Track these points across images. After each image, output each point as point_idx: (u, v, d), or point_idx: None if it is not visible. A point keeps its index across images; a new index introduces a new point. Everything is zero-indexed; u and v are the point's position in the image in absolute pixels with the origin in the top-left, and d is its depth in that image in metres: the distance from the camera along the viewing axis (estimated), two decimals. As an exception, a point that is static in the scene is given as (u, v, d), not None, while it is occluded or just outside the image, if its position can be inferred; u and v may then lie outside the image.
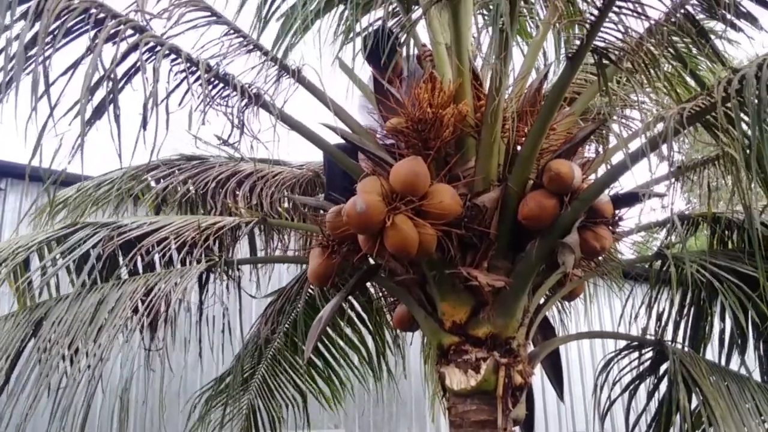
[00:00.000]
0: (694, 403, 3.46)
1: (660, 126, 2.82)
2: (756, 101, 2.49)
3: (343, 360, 5.17)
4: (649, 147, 2.86)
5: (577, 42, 3.13)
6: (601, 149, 4.44)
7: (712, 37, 3.48)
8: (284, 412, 5.15)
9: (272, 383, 5.09)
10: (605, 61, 3.22)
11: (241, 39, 3.72)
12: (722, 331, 3.97)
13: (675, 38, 3.51)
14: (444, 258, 3.29)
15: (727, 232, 4.28)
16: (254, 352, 4.99)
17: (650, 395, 3.87)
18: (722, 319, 3.94)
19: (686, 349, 3.99)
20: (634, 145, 3.19)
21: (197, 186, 4.74)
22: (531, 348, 3.64)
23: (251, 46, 3.73)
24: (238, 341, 5.04)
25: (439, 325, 3.41)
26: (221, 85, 3.57)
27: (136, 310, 3.34)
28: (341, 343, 5.10)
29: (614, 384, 3.88)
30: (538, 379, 3.95)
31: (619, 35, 3.20)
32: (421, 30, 4.13)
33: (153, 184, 4.86)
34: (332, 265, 3.53)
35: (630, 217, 3.97)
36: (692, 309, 4.10)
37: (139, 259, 3.83)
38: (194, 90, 3.40)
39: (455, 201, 3.20)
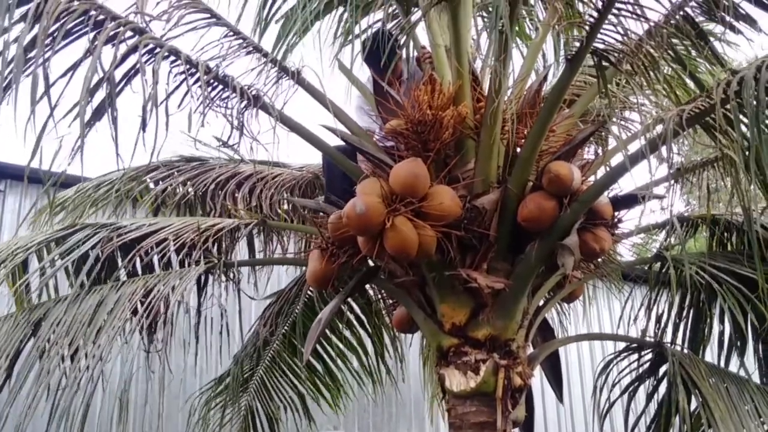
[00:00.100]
0: (694, 404, 3.46)
1: (659, 128, 2.82)
2: (755, 103, 2.49)
3: (342, 362, 5.17)
4: (648, 149, 2.86)
5: (577, 44, 3.14)
6: (600, 151, 4.44)
7: (712, 39, 3.49)
8: (283, 414, 5.14)
9: (271, 385, 5.09)
10: (605, 63, 3.22)
11: (241, 41, 3.72)
12: (721, 333, 3.98)
13: (674, 40, 3.51)
14: (443, 260, 3.29)
15: (726, 234, 4.29)
16: (253, 353, 4.98)
17: (649, 397, 3.87)
18: (721, 320, 3.95)
19: (685, 350, 3.99)
20: (634, 147, 3.20)
21: (196, 188, 4.74)
22: (530, 350, 3.64)
23: (251, 48, 3.73)
24: (237, 343, 5.04)
25: (438, 327, 3.41)
26: (221, 86, 3.57)
27: (135, 312, 3.34)
28: (340, 345, 5.10)
29: (613, 386, 3.88)
30: (538, 380, 3.95)
31: (619, 37, 3.20)
32: (421, 32, 4.14)
33: (152, 185, 4.86)
34: (332, 269, 3.53)
35: (629, 218, 3.97)
36: (691, 311, 4.10)
37: (138, 260, 3.83)
38: (194, 92, 3.40)
39: (455, 203, 3.20)
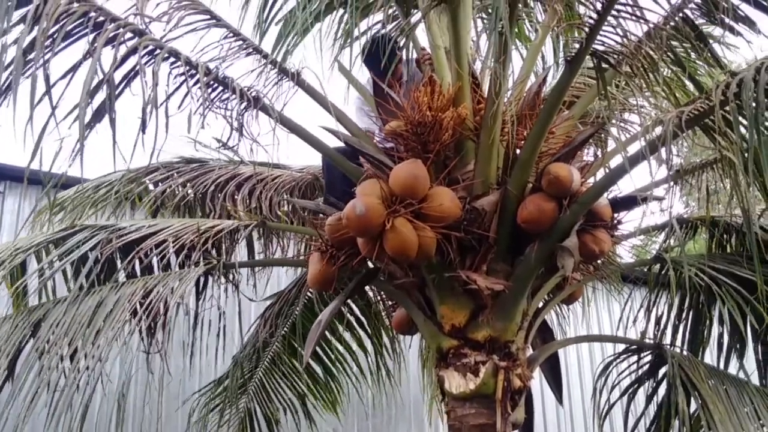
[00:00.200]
0: (693, 406, 3.46)
1: (659, 129, 2.82)
2: (754, 104, 2.49)
3: (341, 364, 5.16)
4: (647, 150, 2.86)
5: (576, 45, 3.14)
6: (599, 153, 4.45)
7: (711, 41, 3.49)
8: (282, 416, 5.14)
9: (270, 386, 5.09)
10: (604, 65, 3.23)
11: (241, 42, 3.73)
12: (721, 335, 3.98)
13: (674, 42, 3.52)
14: (443, 261, 3.29)
15: (725, 236, 4.29)
16: (252, 355, 4.98)
17: (649, 399, 3.87)
18: (721, 322, 3.94)
19: (685, 352, 3.99)
20: (633, 149, 3.20)
21: (196, 189, 4.74)
22: (530, 351, 3.64)
23: (251, 49, 3.73)
24: (237, 344, 5.04)
25: (438, 329, 3.41)
26: (221, 88, 3.58)
27: (134, 313, 3.34)
28: (340, 346, 5.10)
29: (613, 387, 3.88)
30: (537, 382, 3.95)
31: (618, 39, 3.20)
32: (421, 34, 4.14)
33: (152, 187, 4.85)
34: (332, 270, 3.53)
35: (629, 220, 3.97)
36: (691, 312, 4.10)
37: (137, 262, 3.83)
38: (194, 93, 3.40)
39: (455, 204, 3.20)
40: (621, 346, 3.99)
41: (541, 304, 3.70)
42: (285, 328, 4.91)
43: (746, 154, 2.69)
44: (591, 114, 4.02)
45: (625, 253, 4.25)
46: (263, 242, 4.68)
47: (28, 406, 2.95)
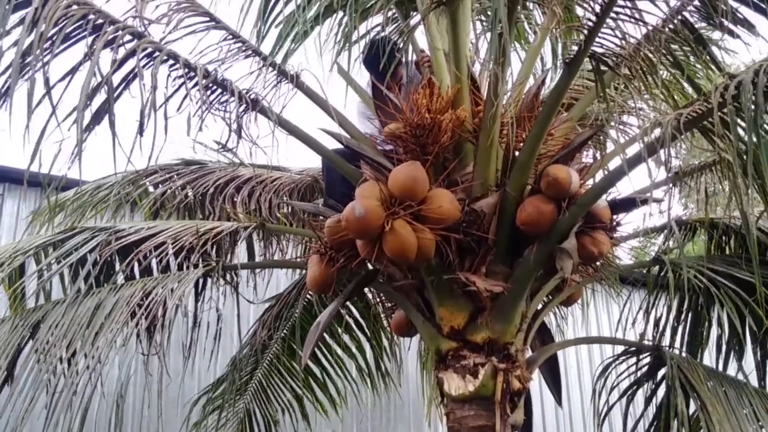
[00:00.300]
0: (692, 408, 3.46)
1: (657, 131, 2.83)
2: (752, 107, 2.50)
3: (339, 366, 5.16)
4: (646, 152, 2.86)
5: (575, 48, 3.14)
6: (598, 155, 4.45)
7: (710, 43, 3.50)
8: (281, 418, 5.13)
9: (269, 388, 5.08)
10: (603, 67, 3.23)
11: (240, 44, 3.73)
12: (719, 337, 3.98)
13: (673, 45, 3.52)
14: (442, 263, 3.29)
15: (724, 238, 4.29)
16: (251, 357, 4.98)
17: (648, 401, 3.87)
18: (719, 324, 3.95)
19: (684, 354, 3.99)
20: (632, 151, 3.21)
21: (196, 191, 4.74)
22: (529, 353, 3.64)
23: (250, 51, 3.74)
24: (236, 346, 5.04)
25: (437, 331, 3.41)
26: (220, 90, 3.58)
27: (133, 315, 3.33)
28: (338, 349, 5.09)
29: (612, 389, 3.88)
30: (536, 384, 3.95)
31: (617, 41, 3.21)
32: (420, 36, 4.15)
33: (151, 188, 4.85)
34: (331, 273, 3.53)
35: (628, 222, 3.98)
36: (690, 314, 4.10)
37: (136, 263, 3.83)
38: (192, 95, 3.40)
39: (454, 206, 3.21)
40: (620, 348, 3.99)
41: (540, 306, 3.70)
42: (284, 330, 4.91)
43: (745, 156, 2.69)
44: (590, 116, 4.03)
45: (624, 255, 4.25)
46: (263, 244, 4.68)
47: (26, 407, 2.94)
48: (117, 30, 3.18)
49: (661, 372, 3.77)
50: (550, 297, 3.81)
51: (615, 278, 4.02)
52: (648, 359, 3.85)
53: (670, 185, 3.30)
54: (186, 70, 3.40)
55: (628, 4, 3.13)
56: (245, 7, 3.83)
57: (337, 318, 4.78)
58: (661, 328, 3.98)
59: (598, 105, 3.96)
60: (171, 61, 3.39)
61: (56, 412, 2.91)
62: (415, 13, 4.25)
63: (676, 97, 3.76)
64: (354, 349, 5.10)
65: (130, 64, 3.22)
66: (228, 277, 4.08)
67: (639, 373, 3.87)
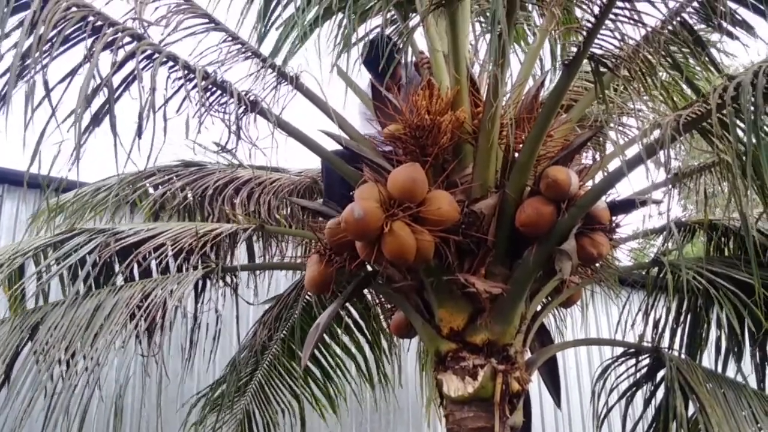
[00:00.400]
0: (691, 409, 3.46)
1: (657, 133, 2.83)
2: (752, 108, 2.50)
3: (339, 367, 5.16)
4: (645, 154, 2.86)
5: (574, 49, 3.14)
6: (598, 156, 4.45)
7: (709, 45, 3.50)
8: (280, 419, 5.13)
9: (269, 389, 5.08)
10: (602, 69, 3.23)
11: (240, 46, 3.73)
12: (719, 338, 3.98)
13: (672, 47, 3.52)
14: (442, 264, 3.29)
15: (723, 239, 4.29)
16: (251, 358, 4.98)
17: (647, 402, 3.87)
18: (719, 326, 3.95)
19: (683, 356, 3.99)
20: (631, 152, 3.21)
21: (195, 192, 4.74)
22: (528, 355, 3.64)
23: (249, 53, 3.74)
24: (235, 347, 5.03)
25: (436, 332, 3.41)
26: (219, 92, 3.58)
27: (132, 316, 3.33)
28: (338, 350, 5.09)
29: (611, 391, 3.88)
30: (536, 386, 3.95)
31: (616, 43, 3.21)
32: (419, 37, 4.15)
33: (151, 190, 4.85)
34: (330, 273, 3.53)
35: (627, 223, 3.98)
36: (689, 316, 4.10)
37: (135, 265, 3.83)
38: (192, 97, 3.40)
39: (453, 207, 3.21)
40: (619, 350, 3.99)
41: (539, 308, 3.70)
42: (284, 332, 4.91)
43: (744, 157, 2.69)
44: (589, 117, 4.03)
45: (623, 257, 4.25)
46: (262, 246, 4.68)
47: (25, 409, 2.94)
48: (116, 32, 3.18)
49: (660, 373, 3.77)
50: (550, 298, 3.81)
51: (614, 280, 4.02)
52: (647, 361, 3.85)
53: (670, 186, 3.30)
54: (185, 71, 3.40)
55: (627, 5, 3.13)
56: (245, 9, 3.84)
57: (336, 319, 4.78)
58: (660, 329, 3.98)
59: (598, 106, 3.97)
60: (170, 63, 3.39)
61: (55, 413, 2.91)
62: (414, 14, 4.25)
63: (675, 99, 3.76)
64: (353, 350, 5.10)
65: (130, 66, 3.22)
66: (227, 278, 4.08)
67: (638, 375, 3.88)
